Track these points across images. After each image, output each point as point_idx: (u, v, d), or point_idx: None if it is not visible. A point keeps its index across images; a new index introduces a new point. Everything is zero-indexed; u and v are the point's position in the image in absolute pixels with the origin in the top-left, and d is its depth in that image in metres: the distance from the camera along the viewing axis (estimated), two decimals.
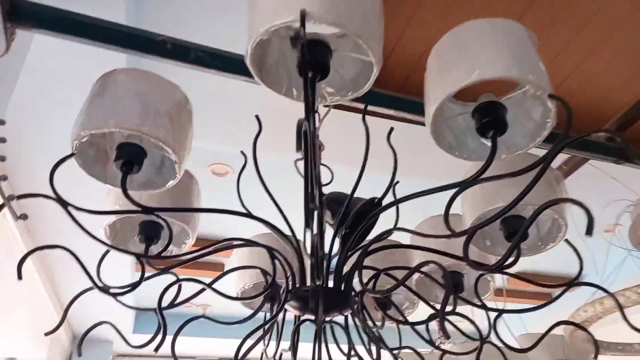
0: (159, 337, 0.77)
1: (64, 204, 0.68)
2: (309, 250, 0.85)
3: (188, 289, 0.92)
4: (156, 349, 0.66)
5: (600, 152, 1.28)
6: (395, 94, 1.10)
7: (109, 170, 0.81)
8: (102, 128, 0.73)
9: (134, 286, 0.70)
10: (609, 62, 1.27)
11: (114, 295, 0.66)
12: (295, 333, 0.78)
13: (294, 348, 0.75)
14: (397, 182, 0.91)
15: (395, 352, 0.81)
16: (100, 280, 0.79)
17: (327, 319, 0.80)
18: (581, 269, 0.83)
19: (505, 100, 0.69)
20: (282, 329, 0.99)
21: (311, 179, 0.60)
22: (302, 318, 0.83)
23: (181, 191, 0.94)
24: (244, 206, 0.88)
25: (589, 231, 0.49)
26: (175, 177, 0.81)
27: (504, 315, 0.90)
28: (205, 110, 1.59)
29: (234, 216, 0.83)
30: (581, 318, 1.19)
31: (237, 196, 0.97)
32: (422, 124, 1.37)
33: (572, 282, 0.81)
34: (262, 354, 1.04)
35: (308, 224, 0.55)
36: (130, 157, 0.75)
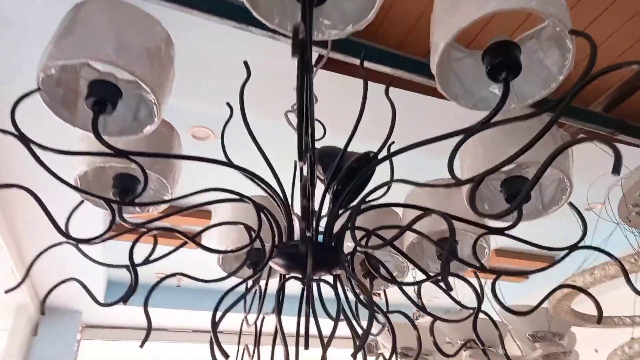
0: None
1: (25, 141, 0.60)
2: (297, 208, 0.79)
3: (163, 261, 0.85)
4: (125, 301, 0.60)
5: (596, 122, 1.25)
6: (393, 50, 1.04)
7: (80, 112, 0.73)
8: (72, 59, 0.65)
9: (102, 234, 0.63)
10: (617, 28, 1.21)
11: (78, 243, 0.59)
12: (280, 292, 0.72)
13: (278, 308, 0.70)
14: (393, 142, 0.85)
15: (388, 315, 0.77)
16: (67, 231, 0.72)
17: (315, 277, 0.75)
18: (585, 231, 0.80)
19: (519, 42, 0.63)
20: (264, 293, 0.93)
21: (306, 106, 0.54)
22: (288, 278, 0.78)
23: (160, 141, 0.87)
24: (227, 157, 0.81)
25: (616, 169, 0.44)
26: (154, 121, 0.74)
27: (486, 291, 0.87)
28: (190, 68, 1.49)
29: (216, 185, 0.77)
30: (568, 289, 1.17)
31: (222, 150, 0.90)
32: (420, 88, 1.32)
33: (575, 245, 0.78)
34: (242, 320, 0.99)
35: (302, 157, 0.49)
36: (103, 94, 0.67)
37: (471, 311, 0.91)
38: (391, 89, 1.00)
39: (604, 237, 1.44)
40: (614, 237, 1.52)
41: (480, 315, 1.15)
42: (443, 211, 0.68)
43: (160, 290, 0.75)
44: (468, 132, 0.61)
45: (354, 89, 0.91)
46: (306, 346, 0.52)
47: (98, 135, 0.63)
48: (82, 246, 0.81)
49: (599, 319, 0.64)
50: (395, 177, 0.93)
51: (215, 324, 0.55)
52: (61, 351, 2.94)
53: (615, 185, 1.32)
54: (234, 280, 0.92)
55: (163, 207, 0.93)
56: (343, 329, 0.85)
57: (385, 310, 0.98)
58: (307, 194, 0.60)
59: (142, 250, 0.78)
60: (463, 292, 1.04)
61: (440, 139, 0.63)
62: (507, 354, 1.00)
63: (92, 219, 2.08)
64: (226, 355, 0.57)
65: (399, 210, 1.14)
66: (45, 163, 0.62)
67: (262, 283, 0.97)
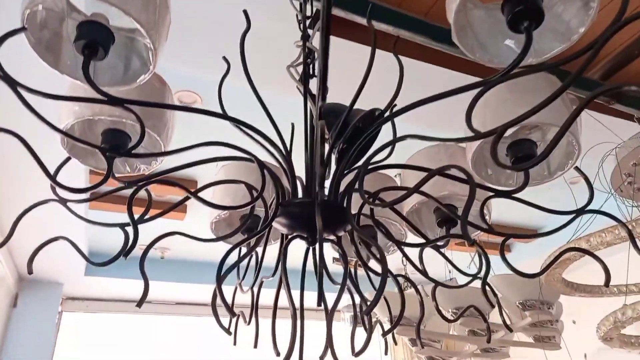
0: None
1: (12, 82, 0.55)
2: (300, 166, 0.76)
3: (147, 235, 0.80)
4: (125, 256, 0.56)
5: (593, 90, 1.24)
6: (395, 8, 0.99)
7: (67, 59, 0.68)
8: None
9: (96, 185, 0.59)
10: None
11: (68, 196, 0.54)
12: (285, 251, 0.69)
13: (284, 269, 0.67)
14: (395, 104, 0.82)
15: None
16: (56, 180, 0.67)
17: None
18: (591, 194, 0.79)
19: None
20: (262, 257, 0.90)
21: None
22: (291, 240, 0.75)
23: (152, 95, 0.82)
24: (222, 109, 0.77)
25: None
26: (148, 70, 0.68)
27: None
28: (176, 27, 1.42)
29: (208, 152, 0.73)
30: (565, 255, 1.18)
31: (219, 104, 0.86)
32: (418, 53, 1.28)
33: (582, 209, 0.77)
34: (235, 287, 0.96)
35: (324, 93, 0.45)
36: (95, 37, 0.62)
37: (470, 278, 0.91)
38: (389, 55, 0.96)
39: (595, 207, 1.44)
40: (604, 207, 1.53)
41: (476, 284, 1.15)
42: (458, 166, 0.66)
43: None
44: (487, 84, 0.58)
45: (349, 60, 0.87)
46: (319, 302, 0.49)
47: (89, 80, 0.58)
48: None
49: (607, 282, 0.63)
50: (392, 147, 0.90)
51: (220, 279, 0.52)
52: (42, 323, 2.88)
53: (609, 155, 1.32)
54: (225, 248, 0.88)
55: (154, 166, 0.88)
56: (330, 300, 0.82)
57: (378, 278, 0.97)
58: (322, 139, 0.56)
59: (123, 219, 0.73)
60: (448, 264, 1.03)
61: (457, 92, 0.61)
62: (505, 321, 1.00)
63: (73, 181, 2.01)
64: (233, 314, 0.54)
65: (395, 176, 1.12)
66: (31, 111, 0.57)
67: (259, 250, 0.94)
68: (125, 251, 0.58)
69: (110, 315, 3.42)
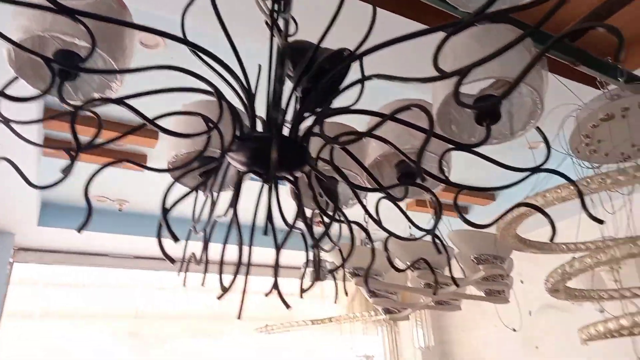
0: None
1: None
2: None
3: (105, 185, 0.75)
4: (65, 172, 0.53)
5: (560, 50, 1.25)
6: None
7: None
8: None
9: (41, 95, 0.54)
10: None
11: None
12: (237, 189, 0.67)
13: (235, 202, 0.65)
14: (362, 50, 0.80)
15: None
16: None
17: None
18: (548, 152, 0.80)
19: None
20: (217, 198, 0.88)
21: None
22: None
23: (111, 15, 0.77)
24: (184, 34, 0.73)
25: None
26: None
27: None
28: None
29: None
30: (520, 211, 1.22)
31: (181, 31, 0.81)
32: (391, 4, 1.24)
33: (538, 168, 0.78)
34: (191, 228, 0.93)
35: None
36: None
37: (425, 233, 0.92)
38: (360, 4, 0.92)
39: (553, 168, 1.49)
40: (561, 168, 1.59)
41: (430, 239, 1.16)
42: (419, 104, 0.65)
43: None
44: (459, 24, 0.57)
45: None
46: (265, 231, 0.48)
47: None
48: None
49: (552, 237, 0.65)
50: (358, 102, 0.88)
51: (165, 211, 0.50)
52: None
53: (570, 117, 1.35)
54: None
55: (108, 92, 0.84)
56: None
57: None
58: (282, 61, 0.54)
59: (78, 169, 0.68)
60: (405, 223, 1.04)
61: (426, 32, 0.59)
62: (452, 275, 1.02)
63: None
64: (175, 239, 0.52)
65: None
66: None
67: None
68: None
69: (63, 267, 3.34)
